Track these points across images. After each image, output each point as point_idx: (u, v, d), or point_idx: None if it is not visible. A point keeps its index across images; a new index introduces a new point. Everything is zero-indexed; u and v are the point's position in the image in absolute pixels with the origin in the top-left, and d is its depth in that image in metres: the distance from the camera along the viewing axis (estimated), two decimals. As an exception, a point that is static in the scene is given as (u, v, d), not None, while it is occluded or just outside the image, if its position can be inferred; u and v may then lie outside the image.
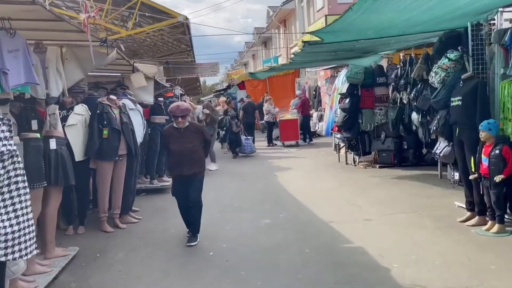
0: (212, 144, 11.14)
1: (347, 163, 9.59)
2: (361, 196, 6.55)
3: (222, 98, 15.20)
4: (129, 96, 6.46)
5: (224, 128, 12.02)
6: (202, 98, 44.47)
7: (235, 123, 11.89)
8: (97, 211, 5.46)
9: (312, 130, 15.41)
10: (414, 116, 6.84)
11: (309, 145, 14.32)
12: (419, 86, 6.73)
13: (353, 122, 8.78)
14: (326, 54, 6.63)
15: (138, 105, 6.68)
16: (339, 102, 9.09)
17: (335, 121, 9.30)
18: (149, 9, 20.01)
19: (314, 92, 18.29)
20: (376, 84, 8.69)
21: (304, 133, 14.72)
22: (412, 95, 6.80)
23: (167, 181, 7.98)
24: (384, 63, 8.97)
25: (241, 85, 22.72)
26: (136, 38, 24.55)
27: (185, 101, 15.24)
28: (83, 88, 6.03)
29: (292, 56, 6.75)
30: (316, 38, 4.96)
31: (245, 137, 12.23)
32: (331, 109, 9.63)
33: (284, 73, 20.87)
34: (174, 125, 4.74)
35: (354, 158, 9.44)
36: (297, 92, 15.18)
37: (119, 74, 8.51)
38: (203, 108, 10.75)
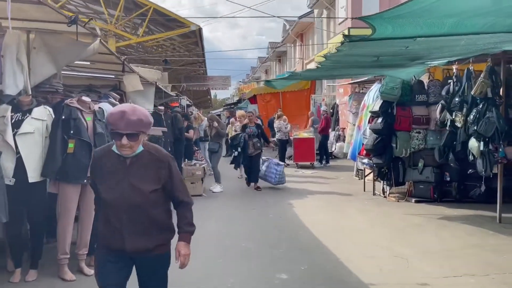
0: (217, 161, 9.95)
1: (374, 194, 8.15)
2: (404, 243, 5.10)
3: (241, 112, 13.82)
4: (111, 98, 5.12)
5: (239, 149, 8.94)
6: (212, 111, 43.47)
7: (253, 144, 8.90)
8: (54, 245, 4.10)
9: (328, 150, 14.03)
10: (473, 143, 5.43)
11: (326, 167, 12.89)
12: (480, 106, 5.34)
13: (385, 146, 7.38)
14: (364, 59, 5.28)
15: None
16: (369, 122, 7.70)
17: (363, 144, 7.90)
18: (161, 17, 18.70)
19: (331, 110, 16.93)
20: (415, 103, 7.32)
21: (320, 153, 13.31)
22: (472, 117, 5.40)
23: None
24: (424, 78, 7.62)
25: (253, 100, 21.50)
26: (147, 47, 23.61)
27: (191, 112, 13.99)
28: (55, 87, 4.75)
29: (322, 59, 5.39)
30: (360, 33, 3.64)
31: (275, 161, 9.31)
32: (359, 130, 8.23)
33: (298, 88, 19.59)
34: (114, 149, 2.34)
35: (383, 187, 8.00)
36: (322, 108, 13.84)
37: (113, 76, 7.23)
38: (208, 120, 9.44)
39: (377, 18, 3.08)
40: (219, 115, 28.65)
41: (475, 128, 5.29)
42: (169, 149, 7.83)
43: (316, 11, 20.70)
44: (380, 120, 7.33)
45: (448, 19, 3.09)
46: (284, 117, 13.44)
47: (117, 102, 5.09)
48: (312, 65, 22.70)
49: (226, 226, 6.11)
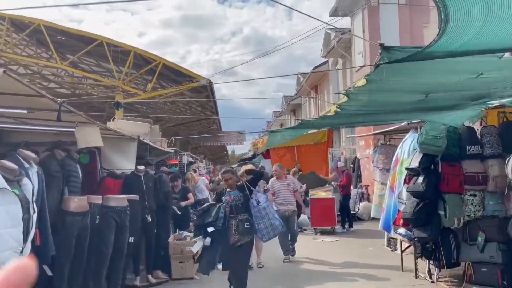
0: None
1: (417, 276, 6.21)
2: None
3: (245, 167, 12.25)
4: (20, 154, 3.55)
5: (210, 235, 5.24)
6: (228, 167, 41.96)
7: (237, 225, 5.14)
8: None
9: (351, 211, 12.15)
10: None
11: (349, 232, 10.96)
12: None
13: (429, 213, 5.58)
14: (404, 97, 3.70)
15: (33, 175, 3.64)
16: (405, 182, 5.95)
17: (399, 210, 6.09)
18: (171, 72, 17.82)
19: (352, 165, 15.22)
20: (466, 156, 5.61)
21: (342, 216, 11.44)
22: None
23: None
24: (476, 125, 5.96)
25: (266, 154, 20.02)
26: (158, 103, 22.71)
27: (195, 170, 12.46)
28: None
29: (344, 99, 3.79)
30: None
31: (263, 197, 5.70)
32: (392, 192, 6.43)
33: (315, 142, 18.06)
34: None
35: (429, 268, 6.08)
36: (339, 164, 12.14)
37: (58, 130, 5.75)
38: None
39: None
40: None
41: None
42: (150, 220, 6.17)
43: (330, 60, 19.66)
44: (421, 179, 5.59)
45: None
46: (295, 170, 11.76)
47: (23, 162, 3.47)
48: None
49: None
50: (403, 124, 6.79)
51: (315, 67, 21.63)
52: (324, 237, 10.26)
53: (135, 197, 5.40)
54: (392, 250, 8.18)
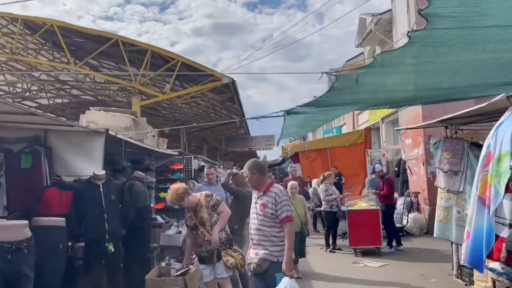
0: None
1: None
2: None
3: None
4: None
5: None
6: None
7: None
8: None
9: (396, 225, 9.79)
10: None
11: (399, 253, 8.63)
12: None
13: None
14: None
15: None
16: (509, 190, 3.69)
17: (498, 236, 3.80)
18: (191, 71, 16.10)
19: (396, 169, 12.82)
20: None
21: (387, 232, 9.12)
22: None
23: None
24: None
25: (296, 158, 17.90)
26: (181, 107, 21.12)
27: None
28: None
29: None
30: None
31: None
32: (484, 207, 4.05)
33: (350, 143, 15.79)
34: None
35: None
36: (377, 167, 9.81)
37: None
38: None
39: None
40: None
41: None
42: (113, 250, 4.19)
43: (366, 50, 17.31)
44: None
45: None
46: (330, 177, 9.53)
47: None
48: (365, 115, 18.94)
49: None
50: (490, 102, 4.51)
51: (348, 61, 19.29)
52: (367, 259, 8.00)
53: (59, 219, 3.42)
54: (466, 285, 5.87)
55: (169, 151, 8.44)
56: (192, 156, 9.29)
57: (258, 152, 47.26)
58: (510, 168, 3.51)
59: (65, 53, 14.13)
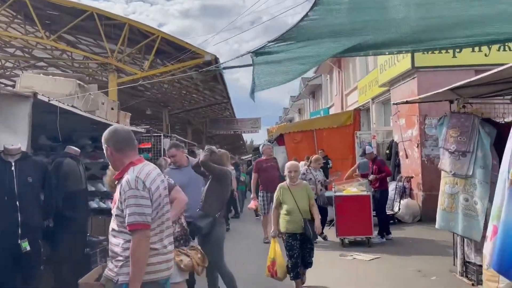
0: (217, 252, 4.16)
1: None
2: None
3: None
4: None
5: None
6: (243, 157, 39.71)
7: None
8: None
9: (387, 212, 8.91)
10: None
11: (389, 244, 7.78)
12: None
13: None
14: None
15: None
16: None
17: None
18: (172, 48, 14.95)
19: (387, 152, 11.95)
20: None
21: (379, 220, 8.24)
22: None
23: None
24: None
25: (281, 141, 16.93)
26: (161, 86, 19.99)
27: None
28: None
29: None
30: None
31: None
32: None
33: (338, 124, 14.87)
34: None
35: None
36: (368, 148, 8.87)
37: None
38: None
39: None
40: (250, 161, 23.67)
41: None
42: (29, 249, 3.16)
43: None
44: None
45: None
46: (318, 161, 8.52)
47: None
48: (354, 96, 18.01)
49: None
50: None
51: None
52: (356, 252, 7.11)
53: None
54: (473, 285, 5.01)
55: (132, 128, 7.34)
56: (162, 134, 8.19)
57: (244, 135, 46.28)
58: None
59: (37, 26, 12.89)
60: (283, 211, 4.93)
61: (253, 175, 8.55)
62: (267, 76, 3.46)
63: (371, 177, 8.23)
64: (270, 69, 3.38)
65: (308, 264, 5.05)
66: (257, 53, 3.03)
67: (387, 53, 4.06)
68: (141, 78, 15.52)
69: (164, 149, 8.45)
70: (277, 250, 4.92)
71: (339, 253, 7.06)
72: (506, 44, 9.48)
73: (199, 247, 3.60)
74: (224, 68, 4.10)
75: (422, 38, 3.06)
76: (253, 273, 5.83)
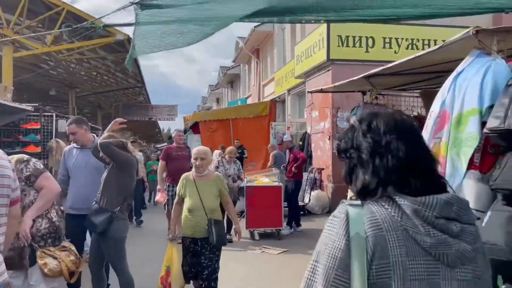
0: (114, 252, 3.66)
1: None
2: None
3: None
4: None
5: None
6: (158, 146, 38.21)
7: None
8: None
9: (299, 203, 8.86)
10: None
11: (299, 235, 7.68)
12: None
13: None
14: None
15: None
16: (472, 165, 2.57)
17: None
18: (77, 21, 13.46)
19: (300, 143, 11.98)
20: None
21: (290, 210, 8.11)
22: None
23: None
24: None
25: (196, 129, 16.34)
26: (68, 66, 18.07)
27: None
28: None
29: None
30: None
31: None
32: None
33: (255, 114, 14.74)
34: None
35: None
36: (285, 137, 8.70)
37: None
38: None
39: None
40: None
41: None
42: None
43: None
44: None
45: None
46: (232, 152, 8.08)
47: None
48: (271, 87, 17.95)
49: None
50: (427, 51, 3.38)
51: (256, 26, 17.96)
52: (266, 245, 6.85)
53: None
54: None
55: (16, 105, 6.28)
56: (54, 114, 7.18)
57: (160, 123, 44.44)
58: (484, 134, 2.36)
59: None
60: (184, 209, 3.95)
61: (160, 162, 7.57)
62: (154, 37, 2.81)
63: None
64: (160, 28, 2.75)
65: (210, 273, 3.87)
66: (142, 4, 2.41)
67: (303, 21, 3.61)
68: (43, 53, 13.88)
69: (56, 130, 7.43)
70: (174, 257, 3.93)
71: (247, 247, 6.74)
72: (414, 43, 9.90)
73: (73, 248, 2.94)
74: (105, 26, 3.39)
75: (344, 4, 2.69)
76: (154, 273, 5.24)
